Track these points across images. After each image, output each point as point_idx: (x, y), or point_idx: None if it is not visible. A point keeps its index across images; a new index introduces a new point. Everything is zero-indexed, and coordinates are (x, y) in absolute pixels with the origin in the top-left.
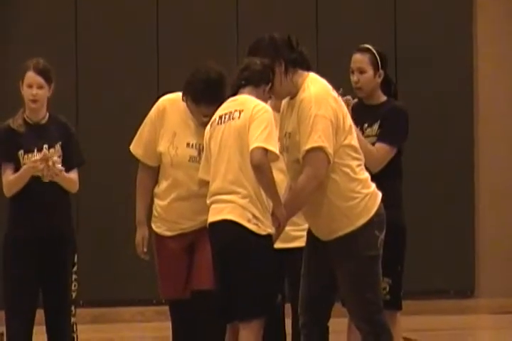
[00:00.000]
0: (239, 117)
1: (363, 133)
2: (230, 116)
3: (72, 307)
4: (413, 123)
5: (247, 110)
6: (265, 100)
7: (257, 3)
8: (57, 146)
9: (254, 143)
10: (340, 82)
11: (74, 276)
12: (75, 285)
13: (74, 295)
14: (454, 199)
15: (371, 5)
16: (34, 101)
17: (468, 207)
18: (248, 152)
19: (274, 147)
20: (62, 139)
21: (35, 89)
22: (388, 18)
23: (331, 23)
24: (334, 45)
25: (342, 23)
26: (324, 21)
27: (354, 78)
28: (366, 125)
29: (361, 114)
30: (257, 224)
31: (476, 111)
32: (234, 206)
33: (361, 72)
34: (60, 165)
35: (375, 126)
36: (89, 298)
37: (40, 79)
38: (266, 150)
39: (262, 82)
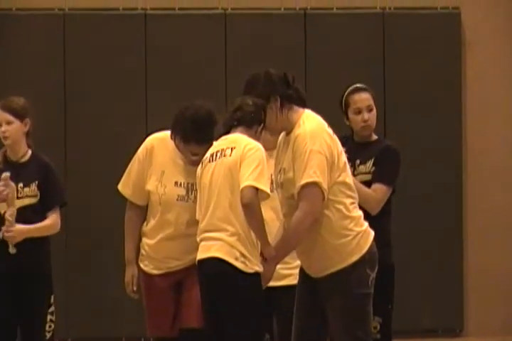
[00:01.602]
0: (230, 154)
1: (354, 169)
2: (221, 153)
3: None
4: (403, 161)
5: (239, 147)
6: (258, 140)
7: (246, 43)
8: (33, 186)
9: (245, 181)
10: (329, 121)
11: (49, 317)
12: (50, 326)
13: (49, 335)
14: (442, 238)
15: (361, 48)
16: (4, 137)
17: (457, 245)
18: (238, 190)
19: (265, 186)
20: (40, 178)
21: (4, 126)
22: (377, 64)
23: (320, 65)
24: (322, 86)
25: (330, 67)
26: (312, 63)
27: (364, 117)
28: (358, 161)
29: (352, 151)
30: (244, 262)
31: (465, 150)
32: (222, 244)
33: (370, 109)
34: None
35: (369, 164)
36: (77, 336)
37: (7, 116)
38: (257, 189)
39: (254, 123)
